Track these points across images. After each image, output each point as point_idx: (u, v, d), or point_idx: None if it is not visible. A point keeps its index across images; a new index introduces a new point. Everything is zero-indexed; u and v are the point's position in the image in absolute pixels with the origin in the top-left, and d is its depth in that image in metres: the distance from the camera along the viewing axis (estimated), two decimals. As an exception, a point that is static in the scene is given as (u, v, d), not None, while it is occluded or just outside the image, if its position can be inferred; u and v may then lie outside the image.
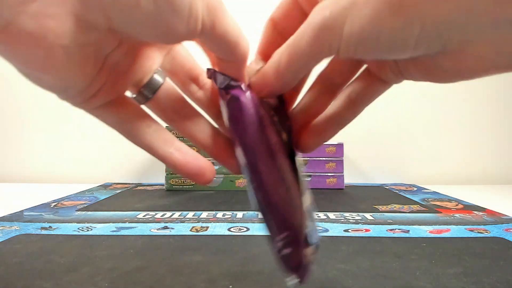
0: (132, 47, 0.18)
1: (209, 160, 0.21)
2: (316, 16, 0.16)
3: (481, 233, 0.40)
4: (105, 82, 0.18)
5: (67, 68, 0.15)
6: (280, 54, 0.18)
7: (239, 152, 0.19)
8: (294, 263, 0.18)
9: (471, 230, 0.41)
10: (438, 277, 0.28)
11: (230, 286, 0.26)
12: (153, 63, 0.20)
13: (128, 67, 0.19)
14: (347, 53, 0.16)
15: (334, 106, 0.22)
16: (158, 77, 0.20)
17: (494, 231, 0.41)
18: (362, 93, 0.21)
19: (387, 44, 0.15)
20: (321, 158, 0.70)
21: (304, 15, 0.19)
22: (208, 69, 0.20)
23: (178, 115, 0.21)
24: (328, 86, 0.22)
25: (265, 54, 0.22)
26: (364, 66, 0.22)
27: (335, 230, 0.41)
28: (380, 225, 0.43)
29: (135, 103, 0.20)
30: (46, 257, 0.32)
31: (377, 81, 0.21)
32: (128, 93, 0.20)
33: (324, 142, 0.22)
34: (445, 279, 0.27)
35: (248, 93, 0.19)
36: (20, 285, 0.26)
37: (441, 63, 0.16)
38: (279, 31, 0.21)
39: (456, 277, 0.28)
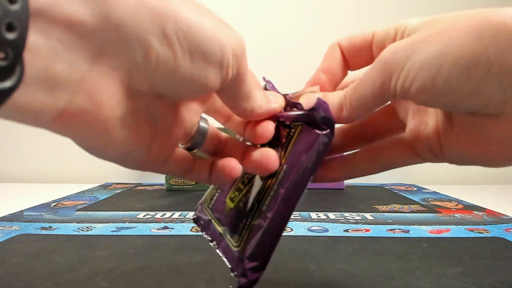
0: (177, 106, 0.19)
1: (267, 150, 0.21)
2: (388, 49, 0.17)
3: (481, 233, 0.40)
4: (161, 143, 0.19)
5: (125, 137, 0.16)
6: (350, 86, 0.19)
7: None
8: (252, 281, 0.21)
9: (471, 230, 0.41)
10: (438, 277, 0.28)
11: (230, 286, 0.26)
12: (198, 114, 0.21)
13: (178, 124, 0.20)
14: (403, 86, 0.17)
15: (356, 156, 0.23)
16: (203, 124, 0.22)
17: (494, 231, 0.41)
18: (395, 163, 0.22)
19: (444, 83, 0.16)
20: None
21: (371, 56, 0.22)
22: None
23: (220, 150, 0.23)
24: (360, 134, 0.24)
25: (328, 72, 0.23)
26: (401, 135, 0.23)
27: (335, 230, 0.41)
28: (380, 225, 0.43)
29: (186, 152, 0.21)
30: (46, 257, 0.32)
31: (412, 154, 0.21)
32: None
33: (332, 181, 0.24)
34: (445, 279, 0.27)
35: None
36: (20, 285, 0.26)
37: (492, 130, 0.17)
38: (343, 56, 0.23)
39: (456, 277, 0.28)
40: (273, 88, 0.24)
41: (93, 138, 0.15)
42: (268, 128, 0.21)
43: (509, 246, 0.35)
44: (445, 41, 0.15)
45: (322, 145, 0.20)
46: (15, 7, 0.11)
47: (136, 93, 0.15)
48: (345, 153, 0.24)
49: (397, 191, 0.69)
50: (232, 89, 0.17)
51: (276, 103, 0.21)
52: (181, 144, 0.22)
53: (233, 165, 0.20)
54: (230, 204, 0.23)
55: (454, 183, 0.82)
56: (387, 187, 0.73)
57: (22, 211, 0.50)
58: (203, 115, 0.22)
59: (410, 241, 0.37)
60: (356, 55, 0.22)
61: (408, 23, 0.19)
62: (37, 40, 0.12)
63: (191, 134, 0.21)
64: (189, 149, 0.22)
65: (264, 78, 0.24)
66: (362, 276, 0.28)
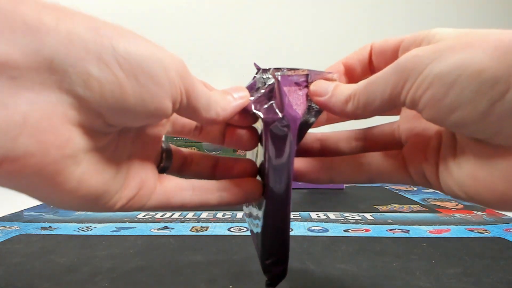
0: (141, 135, 0.19)
1: (250, 179, 0.21)
2: (408, 53, 0.16)
3: (481, 233, 0.40)
4: (142, 175, 0.18)
5: (85, 178, 0.14)
6: (358, 85, 0.19)
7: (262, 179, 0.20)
8: (278, 276, 0.21)
9: (471, 230, 0.41)
10: (438, 277, 0.28)
11: (230, 286, 0.26)
12: (161, 139, 0.20)
13: (148, 153, 0.19)
14: (414, 102, 0.16)
15: (350, 169, 0.22)
16: (166, 146, 0.21)
17: (494, 231, 0.41)
18: (382, 177, 0.21)
19: (457, 97, 0.15)
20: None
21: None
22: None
23: (187, 167, 0.22)
24: (356, 139, 0.24)
25: (347, 66, 0.23)
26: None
27: (335, 230, 0.41)
28: (380, 225, 0.43)
29: (169, 179, 0.20)
30: (46, 257, 0.32)
31: (403, 174, 0.20)
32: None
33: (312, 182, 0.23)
34: (445, 279, 0.27)
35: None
36: (20, 285, 0.26)
37: (500, 165, 0.15)
38: (369, 56, 0.22)
39: (456, 277, 0.28)
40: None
41: (45, 186, 0.13)
42: (245, 139, 0.21)
43: (509, 246, 0.35)
44: (469, 53, 0.14)
45: (275, 136, 0.19)
46: None
47: (90, 129, 0.14)
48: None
49: (397, 191, 0.69)
50: (189, 106, 0.17)
51: (240, 99, 0.20)
52: None
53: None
54: None
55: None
56: (387, 187, 0.73)
57: (22, 211, 0.50)
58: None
59: (410, 241, 0.37)
60: (381, 57, 0.22)
61: (438, 31, 0.18)
62: None
63: (159, 159, 0.20)
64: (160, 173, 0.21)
65: (255, 64, 0.23)
66: (362, 276, 0.28)
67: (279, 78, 0.21)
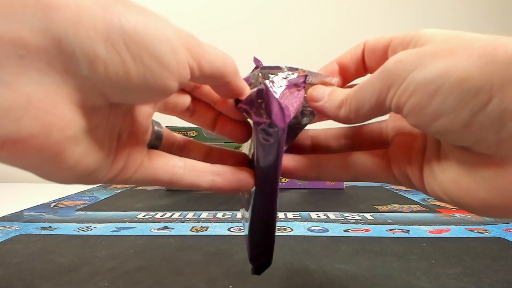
0: (131, 112, 0.18)
1: (245, 168, 0.21)
2: (393, 58, 0.16)
3: (481, 233, 0.40)
4: (125, 154, 0.18)
5: (82, 158, 0.15)
6: (350, 90, 0.19)
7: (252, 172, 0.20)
8: (263, 264, 0.22)
9: (471, 230, 0.41)
10: (438, 277, 0.28)
11: (230, 286, 0.26)
12: (150, 117, 0.20)
13: (137, 131, 0.19)
14: (397, 107, 0.16)
15: (336, 168, 0.22)
16: (158, 128, 0.21)
17: (494, 231, 0.41)
18: (368, 177, 0.21)
19: (440, 105, 0.15)
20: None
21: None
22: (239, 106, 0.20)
23: (176, 151, 0.22)
24: (344, 137, 0.24)
25: (342, 65, 0.23)
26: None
27: (335, 230, 0.41)
28: (380, 225, 0.43)
29: (160, 156, 0.19)
30: (46, 257, 0.32)
31: (388, 175, 0.21)
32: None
33: (298, 178, 0.23)
34: (445, 279, 0.27)
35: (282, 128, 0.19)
36: (20, 285, 0.26)
37: (483, 173, 0.15)
38: (362, 55, 0.22)
39: (456, 277, 0.28)
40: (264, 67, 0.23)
41: (45, 165, 0.14)
42: (236, 133, 0.21)
43: (509, 246, 0.35)
44: (452, 60, 0.14)
45: (263, 138, 0.19)
46: None
47: (89, 109, 0.14)
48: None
49: (397, 191, 0.69)
50: (206, 75, 0.16)
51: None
52: None
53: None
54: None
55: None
56: (387, 187, 0.73)
57: (22, 211, 0.50)
58: (154, 117, 0.21)
59: (410, 241, 0.37)
60: (373, 56, 0.22)
61: (425, 33, 0.18)
62: None
63: (147, 139, 0.20)
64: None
65: (254, 58, 0.23)
66: (362, 276, 0.28)
67: (275, 80, 0.21)
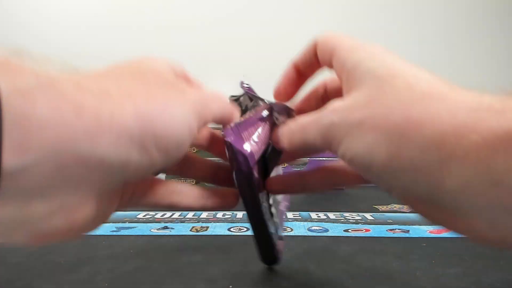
0: None
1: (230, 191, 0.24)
2: (329, 114, 0.18)
3: (481, 233, 0.40)
4: (132, 188, 0.20)
5: (91, 221, 0.16)
6: (295, 124, 0.21)
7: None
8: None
9: (471, 230, 0.41)
10: (438, 277, 0.28)
11: (230, 286, 0.26)
12: None
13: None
14: (342, 158, 0.18)
15: (318, 183, 0.24)
16: None
17: (494, 231, 0.41)
18: (348, 184, 0.26)
19: (376, 174, 0.17)
20: (321, 158, 0.70)
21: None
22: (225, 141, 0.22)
23: (185, 170, 0.25)
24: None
25: (297, 67, 0.25)
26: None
27: (335, 230, 0.41)
28: (380, 225, 0.43)
29: (161, 185, 0.22)
30: (46, 257, 0.32)
31: (362, 181, 0.22)
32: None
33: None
34: (445, 279, 0.27)
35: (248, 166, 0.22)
36: (20, 285, 0.26)
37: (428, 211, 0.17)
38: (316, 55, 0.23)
39: (456, 277, 0.28)
40: (251, 91, 0.25)
41: (67, 236, 0.16)
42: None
43: (509, 246, 0.35)
44: (376, 139, 0.16)
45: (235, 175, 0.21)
46: None
47: (109, 196, 0.17)
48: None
49: (397, 191, 0.69)
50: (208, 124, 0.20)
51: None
52: None
53: None
54: None
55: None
56: (387, 187, 0.73)
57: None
58: None
59: (410, 241, 0.37)
60: (308, 67, 0.24)
61: (357, 66, 0.19)
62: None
63: None
64: (154, 173, 0.23)
65: (242, 83, 0.25)
66: (362, 276, 0.28)
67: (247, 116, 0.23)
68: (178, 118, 0.16)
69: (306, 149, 0.22)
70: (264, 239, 0.25)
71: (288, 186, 0.25)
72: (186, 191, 0.23)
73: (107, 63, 0.17)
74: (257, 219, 0.23)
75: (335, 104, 0.18)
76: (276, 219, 0.26)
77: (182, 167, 0.24)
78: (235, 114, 0.22)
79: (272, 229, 0.25)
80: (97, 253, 0.33)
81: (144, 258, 0.32)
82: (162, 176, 0.23)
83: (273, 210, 0.26)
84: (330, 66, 0.21)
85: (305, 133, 0.20)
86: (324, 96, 0.25)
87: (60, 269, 0.29)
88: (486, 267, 0.30)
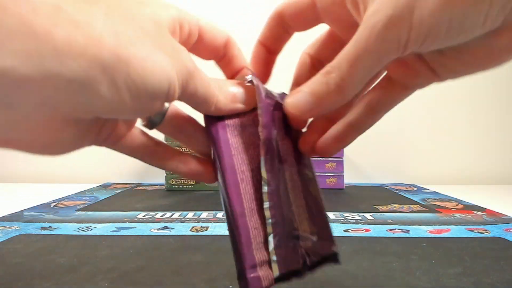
0: None
1: (208, 162, 0.23)
2: (378, 15, 0.16)
3: (481, 233, 0.40)
4: (112, 126, 0.20)
5: (66, 143, 0.17)
6: (338, 63, 0.18)
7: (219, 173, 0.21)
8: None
9: (471, 230, 0.41)
10: (438, 277, 0.28)
11: (230, 286, 0.26)
12: None
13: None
14: (416, 44, 0.16)
15: (354, 113, 0.21)
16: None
17: (494, 231, 0.41)
18: (383, 101, 0.21)
19: (458, 26, 0.15)
20: (321, 158, 0.70)
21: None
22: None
23: (182, 133, 0.23)
24: None
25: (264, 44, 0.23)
26: (384, 74, 0.22)
27: (335, 230, 0.41)
28: (380, 225, 0.43)
29: (140, 136, 0.21)
30: (46, 257, 0.32)
31: (399, 87, 0.21)
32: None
33: (344, 147, 0.22)
34: (445, 279, 0.27)
35: (224, 126, 0.21)
36: (20, 285, 0.26)
37: (496, 42, 0.17)
38: (283, 25, 0.22)
39: (456, 277, 0.28)
40: (258, 84, 0.22)
41: (30, 150, 0.17)
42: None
43: (509, 246, 0.35)
44: None
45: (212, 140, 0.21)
46: None
47: (79, 120, 0.16)
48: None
49: (397, 191, 0.69)
50: (188, 99, 0.18)
51: (241, 103, 0.21)
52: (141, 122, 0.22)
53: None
54: None
55: (454, 183, 0.82)
56: (387, 187, 0.73)
57: (22, 211, 0.50)
58: None
59: (410, 241, 0.37)
60: (300, 20, 0.22)
61: None
62: None
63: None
64: (147, 126, 0.22)
65: (250, 71, 0.23)
66: (362, 276, 0.28)
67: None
68: (159, 69, 0.16)
69: (364, 74, 0.18)
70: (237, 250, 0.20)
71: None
72: (162, 150, 0.22)
73: None
74: (231, 198, 0.19)
75: (369, 13, 0.16)
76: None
77: (179, 130, 0.22)
78: (226, 106, 0.20)
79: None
80: (97, 253, 0.33)
81: (144, 258, 0.32)
82: (161, 137, 0.22)
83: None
84: (305, 23, 0.21)
85: (357, 51, 0.17)
86: (314, 65, 0.23)
87: (60, 269, 0.29)
88: (486, 267, 0.30)
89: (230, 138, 0.21)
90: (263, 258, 0.19)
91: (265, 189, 0.20)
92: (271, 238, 0.19)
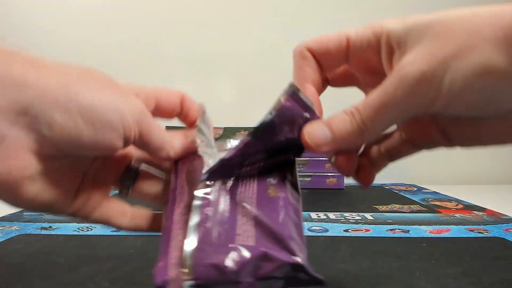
0: (98, 163, 0.22)
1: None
2: (411, 68, 0.16)
3: (481, 233, 0.40)
4: (90, 191, 0.21)
5: (40, 193, 0.18)
6: (363, 107, 0.18)
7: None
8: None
9: (471, 230, 0.41)
10: (438, 277, 0.28)
11: (230, 286, 0.26)
12: (123, 161, 0.24)
13: (104, 175, 0.23)
14: (442, 106, 0.16)
15: (377, 157, 0.23)
16: (135, 167, 0.24)
17: (494, 231, 0.41)
18: (400, 154, 0.22)
19: (488, 98, 0.15)
20: (321, 158, 0.70)
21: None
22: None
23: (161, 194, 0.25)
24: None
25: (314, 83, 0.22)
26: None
27: (335, 230, 0.41)
28: (380, 225, 0.43)
29: (116, 204, 0.23)
30: (46, 257, 0.32)
31: (408, 143, 0.21)
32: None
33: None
34: (445, 279, 0.27)
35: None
36: (20, 285, 0.26)
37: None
38: (317, 63, 0.21)
39: (456, 277, 0.28)
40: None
41: (8, 196, 0.17)
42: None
43: (509, 246, 0.35)
44: (482, 56, 0.15)
45: None
46: None
47: (47, 156, 0.17)
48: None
49: (397, 191, 0.69)
50: (143, 144, 0.20)
51: (189, 143, 0.22)
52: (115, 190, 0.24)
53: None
54: None
55: (454, 183, 0.82)
56: (387, 187, 0.73)
57: (22, 211, 0.50)
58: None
59: (410, 241, 0.37)
60: (330, 63, 0.21)
61: (387, 28, 0.18)
62: None
63: (120, 177, 0.24)
64: (120, 193, 0.24)
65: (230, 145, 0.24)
66: (362, 276, 0.28)
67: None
68: (109, 101, 0.17)
69: (387, 123, 0.18)
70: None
71: None
72: (136, 214, 0.24)
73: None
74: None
75: (404, 63, 0.16)
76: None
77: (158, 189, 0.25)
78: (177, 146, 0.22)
79: None
80: (97, 253, 0.33)
81: (144, 258, 0.32)
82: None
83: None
84: (333, 64, 0.21)
85: (384, 99, 0.17)
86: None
87: (60, 269, 0.29)
88: (486, 267, 0.30)
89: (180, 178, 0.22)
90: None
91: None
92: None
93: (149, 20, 0.98)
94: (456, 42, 0.15)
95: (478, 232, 0.40)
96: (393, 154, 0.22)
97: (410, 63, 0.16)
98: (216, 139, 0.25)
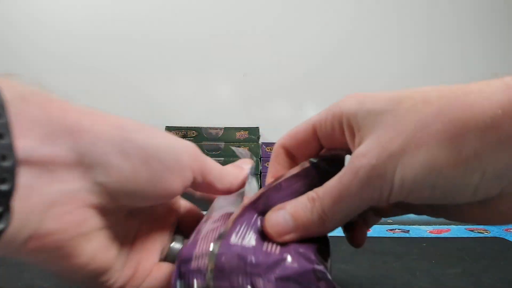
0: (150, 221, 0.20)
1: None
2: (363, 160, 0.16)
3: (481, 233, 0.40)
4: (136, 261, 0.19)
5: (95, 254, 0.16)
6: (323, 195, 0.18)
7: None
8: None
9: (471, 230, 0.41)
10: (438, 277, 0.28)
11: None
12: (169, 228, 0.21)
13: (153, 240, 0.20)
14: (397, 199, 0.16)
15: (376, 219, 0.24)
16: (177, 245, 0.21)
17: (494, 231, 0.41)
18: (390, 214, 0.23)
19: (443, 191, 0.15)
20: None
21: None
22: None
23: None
24: None
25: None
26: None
27: (335, 230, 0.41)
28: (380, 225, 0.43)
29: (164, 266, 0.20)
30: (46, 257, 0.32)
31: (399, 211, 0.22)
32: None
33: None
34: (445, 279, 0.27)
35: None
36: (20, 285, 0.26)
37: (495, 207, 0.16)
38: (288, 157, 0.22)
39: (456, 277, 0.28)
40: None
41: (60, 260, 0.15)
42: None
43: (509, 246, 0.35)
44: (429, 153, 0.15)
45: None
46: (6, 163, 0.13)
47: (101, 210, 0.16)
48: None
49: (397, 191, 0.69)
50: (204, 181, 0.19)
51: (246, 168, 0.22)
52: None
53: None
54: None
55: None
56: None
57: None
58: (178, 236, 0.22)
59: (410, 241, 0.37)
60: (303, 150, 0.22)
61: (347, 111, 0.18)
62: (23, 181, 0.13)
63: (163, 251, 0.21)
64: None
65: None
66: (362, 276, 0.28)
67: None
68: (164, 140, 0.17)
69: (345, 215, 0.18)
70: None
71: None
72: None
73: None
74: None
75: (358, 153, 0.17)
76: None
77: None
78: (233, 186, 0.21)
79: None
80: (97, 253, 0.33)
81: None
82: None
83: None
84: (304, 152, 0.22)
85: (340, 192, 0.17)
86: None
87: (60, 269, 0.29)
88: (486, 267, 0.30)
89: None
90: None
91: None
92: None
93: (145, 19, 0.98)
94: (404, 136, 0.15)
95: (478, 232, 0.40)
96: (384, 214, 0.23)
97: (362, 155, 0.16)
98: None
